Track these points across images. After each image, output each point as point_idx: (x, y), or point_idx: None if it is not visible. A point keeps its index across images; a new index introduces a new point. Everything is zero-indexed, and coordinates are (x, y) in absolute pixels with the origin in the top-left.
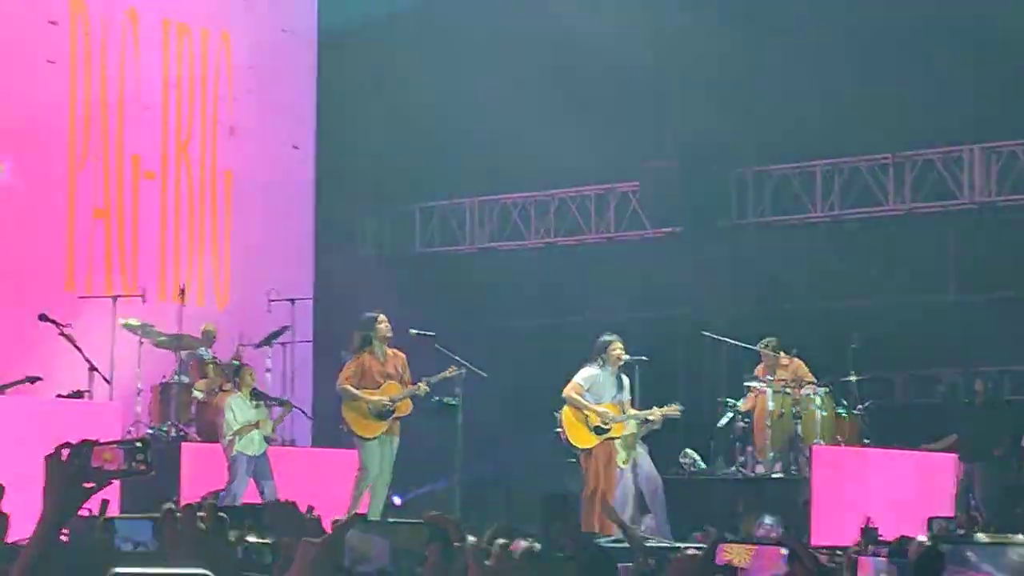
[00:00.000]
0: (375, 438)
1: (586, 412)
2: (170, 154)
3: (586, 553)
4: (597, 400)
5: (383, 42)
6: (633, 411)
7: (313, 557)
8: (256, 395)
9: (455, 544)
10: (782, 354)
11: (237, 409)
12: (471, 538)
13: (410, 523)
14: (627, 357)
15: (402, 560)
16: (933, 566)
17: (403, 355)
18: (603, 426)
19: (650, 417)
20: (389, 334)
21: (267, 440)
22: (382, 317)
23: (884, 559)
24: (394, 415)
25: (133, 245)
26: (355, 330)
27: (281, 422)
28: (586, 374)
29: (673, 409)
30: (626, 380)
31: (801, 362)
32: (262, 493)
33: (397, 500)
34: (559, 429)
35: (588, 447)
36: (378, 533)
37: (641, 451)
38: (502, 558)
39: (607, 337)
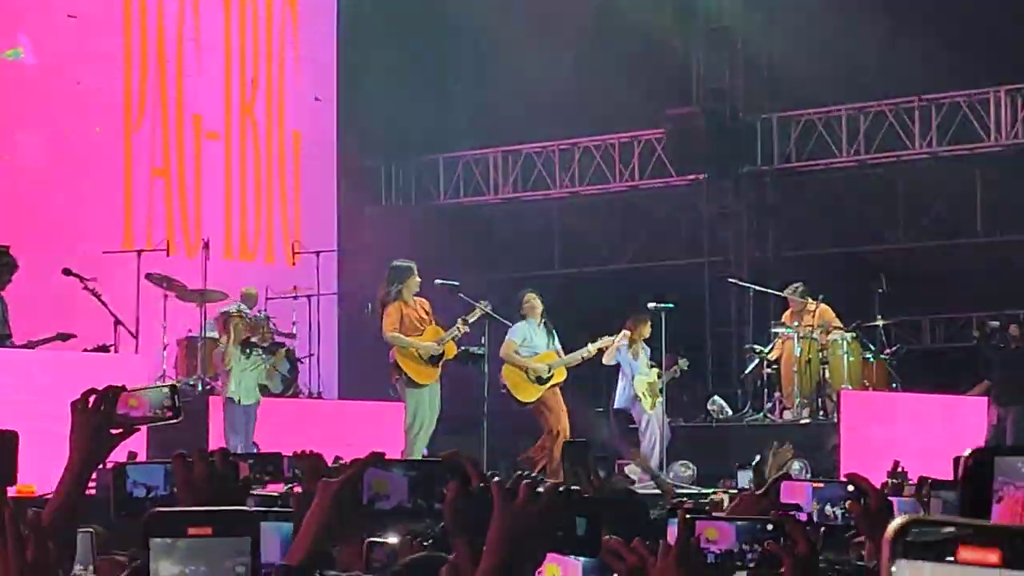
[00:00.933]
0: (430, 384)
1: (525, 367)
2: (233, 114)
3: (613, 497)
4: (534, 353)
5: None
6: (569, 356)
7: (332, 495)
8: (247, 345)
9: (474, 482)
10: (809, 300)
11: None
12: (495, 477)
13: (430, 461)
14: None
15: (420, 497)
16: (983, 474)
17: (426, 301)
18: (544, 375)
19: (585, 355)
20: (418, 285)
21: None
22: (414, 267)
23: (911, 499)
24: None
25: (196, 203)
26: (388, 278)
27: (273, 371)
28: (517, 332)
29: (608, 342)
30: (552, 329)
31: (827, 307)
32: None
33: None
34: (503, 389)
35: (534, 399)
36: (397, 471)
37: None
38: (529, 498)
39: (524, 292)
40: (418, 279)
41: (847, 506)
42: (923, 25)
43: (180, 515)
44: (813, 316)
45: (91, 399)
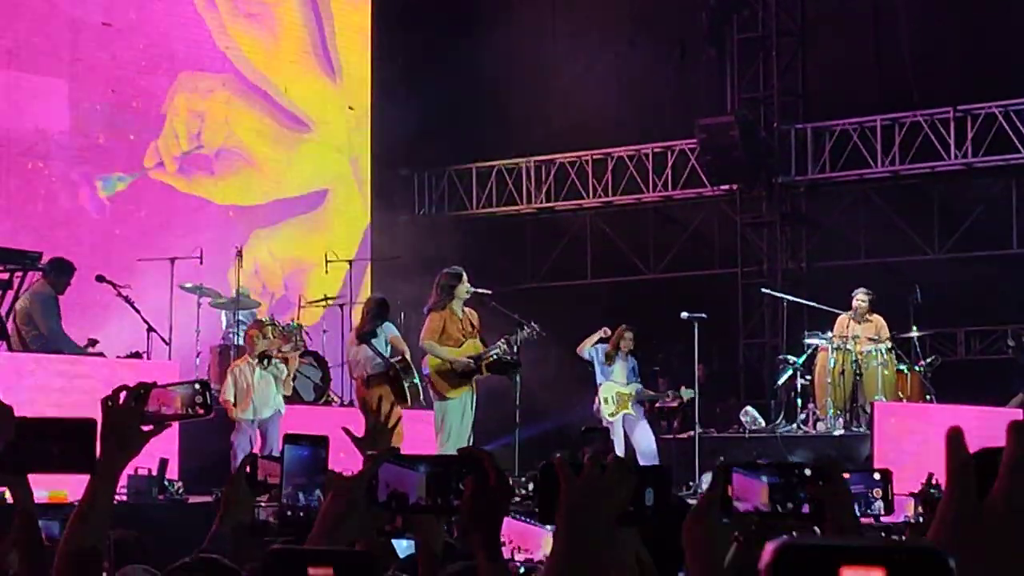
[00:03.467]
0: (459, 396)
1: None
2: (266, 123)
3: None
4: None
5: (437, 4)
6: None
7: (345, 491)
8: (263, 358)
9: (492, 478)
10: (870, 307)
11: (238, 374)
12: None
13: (447, 457)
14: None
15: (437, 493)
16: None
17: (476, 314)
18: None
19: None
20: (469, 294)
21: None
22: (465, 276)
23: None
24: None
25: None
26: (436, 285)
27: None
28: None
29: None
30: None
31: (882, 320)
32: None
33: None
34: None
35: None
36: (412, 466)
37: (637, 416)
38: (595, 472)
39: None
40: (467, 287)
41: None
42: (959, 35)
43: (301, 554)
44: (872, 325)
45: (122, 395)
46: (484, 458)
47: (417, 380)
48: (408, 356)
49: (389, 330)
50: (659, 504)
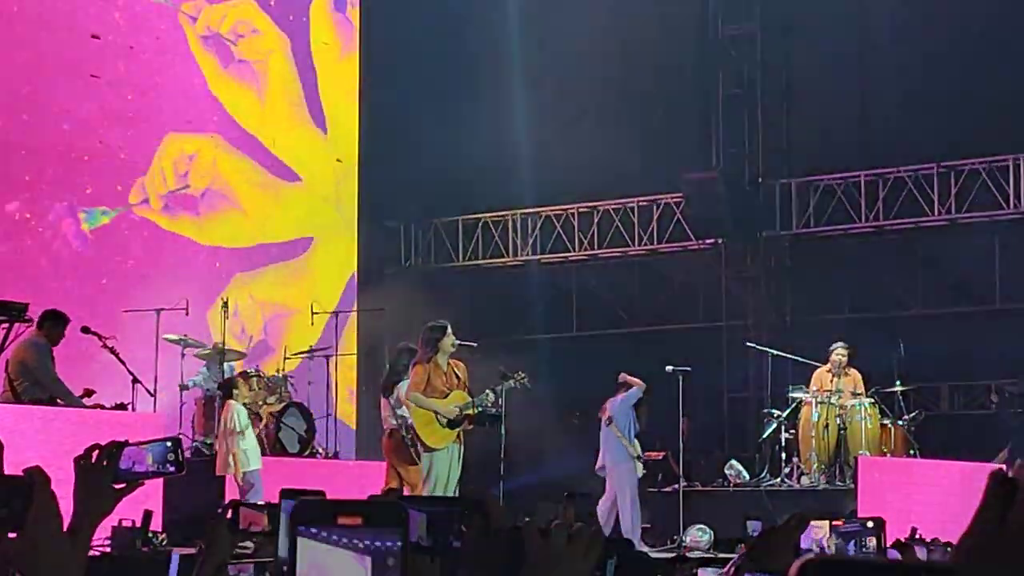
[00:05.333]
0: (445, 447)
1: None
2: (255, 175)
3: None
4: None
5: (426, 53)
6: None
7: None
8: (250, 410)
9: (495, 521)
10: (847, 360)
11: (239, 421)
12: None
13: (449, 498)
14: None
15: (439, 534)
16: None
17: (463, 364)
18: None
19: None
20: (455, 347)
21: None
22: (450, 329)
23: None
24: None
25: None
26: (422, 338)
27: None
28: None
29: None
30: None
31: (859, 374)
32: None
33: None
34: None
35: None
36: (415, 508)
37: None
38: (562, 539)
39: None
40: (453, 339)
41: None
42: (942, 92)
43: (331, 504)
44: (850, 379)
45: (94, 454)
46: (490, 501)
47: (416, 444)
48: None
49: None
50: (619, 574)
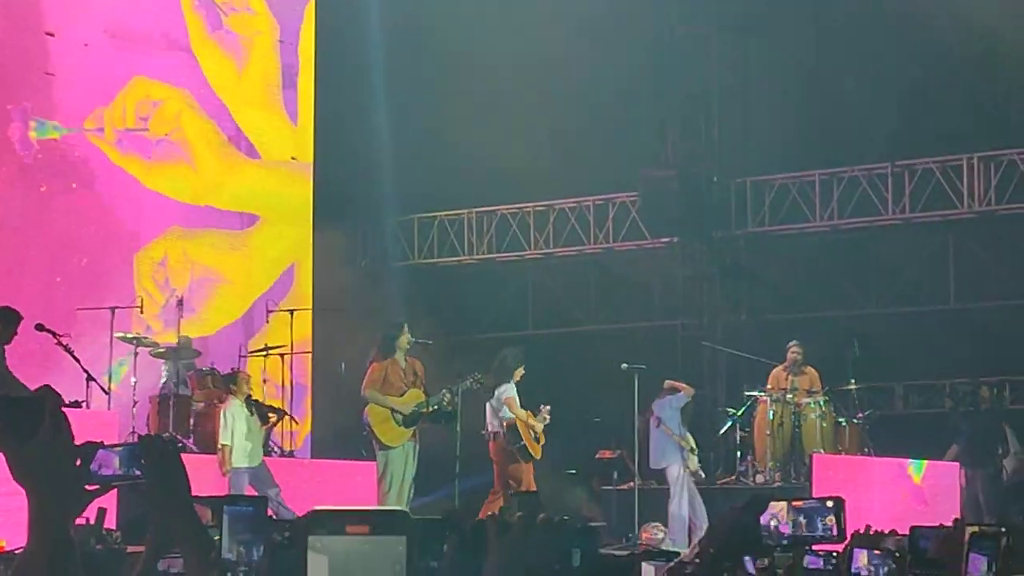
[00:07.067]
0: (401, 445)
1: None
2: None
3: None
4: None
5: (380, 56)
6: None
7: None
8: (250, 403)
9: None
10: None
11: (231, 417)
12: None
13: (427, 519)
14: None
15: (418, 555)
16: None
17: (420, 364)
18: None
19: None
20: (411, 344)
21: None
22: (406, 327)
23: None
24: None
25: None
26: (379, 337)
27: (270, 427)
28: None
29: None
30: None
31: (815, 373)
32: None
33: None
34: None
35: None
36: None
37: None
38: (524, 531)
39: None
40: (409, 337)
41: None
42: (897, 92)
43: (340, 514)
44: (806, 377)
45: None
46: (466, 519)
47: (524, 443)
48: (519, 420)
49: (507, 392)
50: (585, 565)
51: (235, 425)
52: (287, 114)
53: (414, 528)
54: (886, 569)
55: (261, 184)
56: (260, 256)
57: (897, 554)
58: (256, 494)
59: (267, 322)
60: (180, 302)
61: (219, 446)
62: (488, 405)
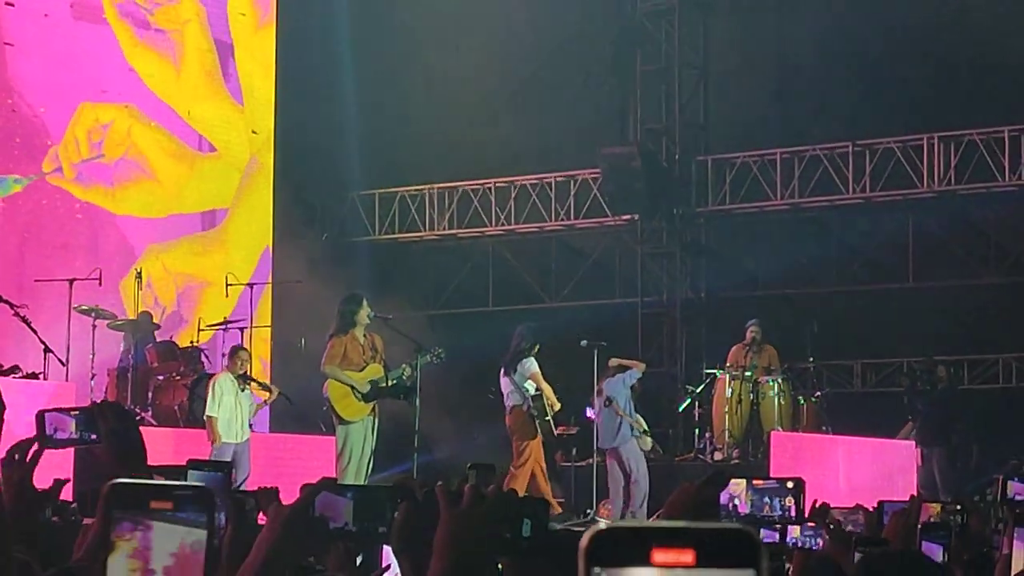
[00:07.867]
0: (360, 420)
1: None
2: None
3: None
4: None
5: (341, 29)
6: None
7: (283, 520)
8: (243, 379)
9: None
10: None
11: (220, 390)
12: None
13: (377, 486)
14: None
15: (365, 520)
16: None
17: (380, 338)
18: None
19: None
20: (371, 319)
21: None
22: (366, 301)
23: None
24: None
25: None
26: (338, 311)
27: (262, 407)
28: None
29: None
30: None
31: (775, 351)
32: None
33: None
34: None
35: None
36: (346, 495)
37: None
38: (474, 501)
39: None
40: (369, 312)
41: None
42: (858, 71)
43: (143, 488)
44: (765, 355)
45: (15, 456)
46: (416, 487)
47: (549, 418)
48: (545, 394)
49: (531, 367)
50: (536, 535)
51: (223, 399)
52: (232, 97)
53: (215, 503)
54: (820, 541)
55: (223, 176)
56: (236, 247)
57: (831, 526)
58: None
59: (227, 295)
60: (139, 275)
61: (205, 417)
62: (507, 379)
